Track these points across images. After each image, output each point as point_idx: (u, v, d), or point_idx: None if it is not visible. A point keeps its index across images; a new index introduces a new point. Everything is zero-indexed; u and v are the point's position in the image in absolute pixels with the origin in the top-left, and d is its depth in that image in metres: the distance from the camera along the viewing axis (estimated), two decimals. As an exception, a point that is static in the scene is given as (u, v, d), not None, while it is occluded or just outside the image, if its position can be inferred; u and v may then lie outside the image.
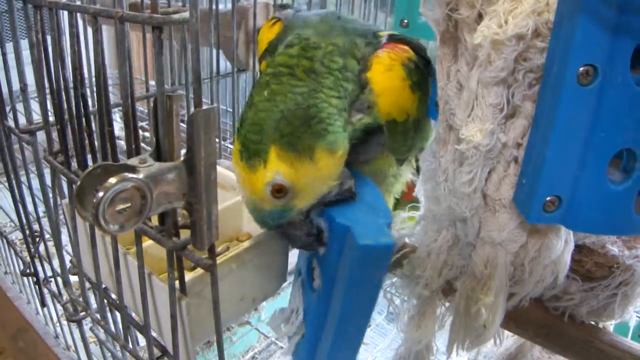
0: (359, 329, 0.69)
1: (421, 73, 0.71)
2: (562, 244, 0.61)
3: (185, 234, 0.53)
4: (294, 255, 0.80)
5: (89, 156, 0.68)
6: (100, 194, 0.42)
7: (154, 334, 0.68)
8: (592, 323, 0.71)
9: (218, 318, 0.55)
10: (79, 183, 0.45)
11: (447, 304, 0.77)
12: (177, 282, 0.58)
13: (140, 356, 0.75)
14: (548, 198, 0.51)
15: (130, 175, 0.43)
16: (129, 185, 0.43)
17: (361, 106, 0.68)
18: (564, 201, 0.51)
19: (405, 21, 0.83)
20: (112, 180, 0.42)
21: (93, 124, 0.68)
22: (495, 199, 0.59)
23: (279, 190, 0.59)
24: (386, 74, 0.68)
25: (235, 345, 1.41)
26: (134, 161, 0.46)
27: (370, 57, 0.68)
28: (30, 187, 0.99)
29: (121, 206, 0.44)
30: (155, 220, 0.57)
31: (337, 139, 0.62)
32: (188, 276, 0.59)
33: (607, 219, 0.52)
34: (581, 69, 0.46)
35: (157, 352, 0.69)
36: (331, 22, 0.71)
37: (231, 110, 1.22)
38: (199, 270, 0.60)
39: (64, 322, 1.14)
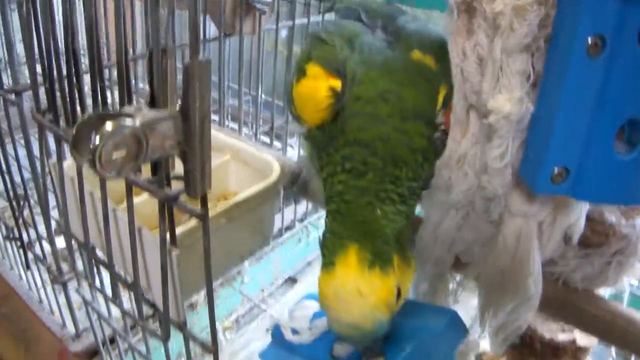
0: None
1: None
2: (581, 205, 0.62)
3: (176, 187, 0.55)
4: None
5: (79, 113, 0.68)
6: (98, 139, 0.43)
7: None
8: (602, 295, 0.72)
9: (209, 268, 0.57)
10: (75, 130, 0.46)
11: (457, 278, 0.78)
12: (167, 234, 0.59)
13: (128, 312, 0.76)
14: (556, 169, 0.51)
15: (127, 121, 0.44)
16: (126, 131, 0.44)
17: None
18: (572, 172, 0.52)
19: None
20: (109, 126, 0.43)
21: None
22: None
23: (398, 294, 0.62)
24: None
25: (218, 307, 1.41)
26: (129, 109, 0.46)
27: None
28: (15, 150, 0.99)
29: (117, 152, 0.45)
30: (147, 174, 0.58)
31: None
32: (179, 229, 0.60)
33: (614, 189, 0.53)
34: (590, 40, 0.46)
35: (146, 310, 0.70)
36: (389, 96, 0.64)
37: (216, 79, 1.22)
38: (189, 224, 0.61)
39: (48, 287, 1.15)
